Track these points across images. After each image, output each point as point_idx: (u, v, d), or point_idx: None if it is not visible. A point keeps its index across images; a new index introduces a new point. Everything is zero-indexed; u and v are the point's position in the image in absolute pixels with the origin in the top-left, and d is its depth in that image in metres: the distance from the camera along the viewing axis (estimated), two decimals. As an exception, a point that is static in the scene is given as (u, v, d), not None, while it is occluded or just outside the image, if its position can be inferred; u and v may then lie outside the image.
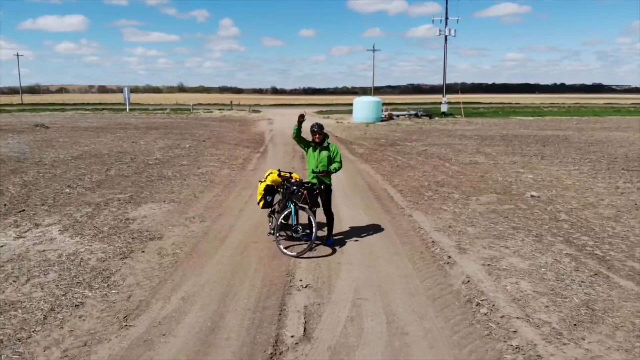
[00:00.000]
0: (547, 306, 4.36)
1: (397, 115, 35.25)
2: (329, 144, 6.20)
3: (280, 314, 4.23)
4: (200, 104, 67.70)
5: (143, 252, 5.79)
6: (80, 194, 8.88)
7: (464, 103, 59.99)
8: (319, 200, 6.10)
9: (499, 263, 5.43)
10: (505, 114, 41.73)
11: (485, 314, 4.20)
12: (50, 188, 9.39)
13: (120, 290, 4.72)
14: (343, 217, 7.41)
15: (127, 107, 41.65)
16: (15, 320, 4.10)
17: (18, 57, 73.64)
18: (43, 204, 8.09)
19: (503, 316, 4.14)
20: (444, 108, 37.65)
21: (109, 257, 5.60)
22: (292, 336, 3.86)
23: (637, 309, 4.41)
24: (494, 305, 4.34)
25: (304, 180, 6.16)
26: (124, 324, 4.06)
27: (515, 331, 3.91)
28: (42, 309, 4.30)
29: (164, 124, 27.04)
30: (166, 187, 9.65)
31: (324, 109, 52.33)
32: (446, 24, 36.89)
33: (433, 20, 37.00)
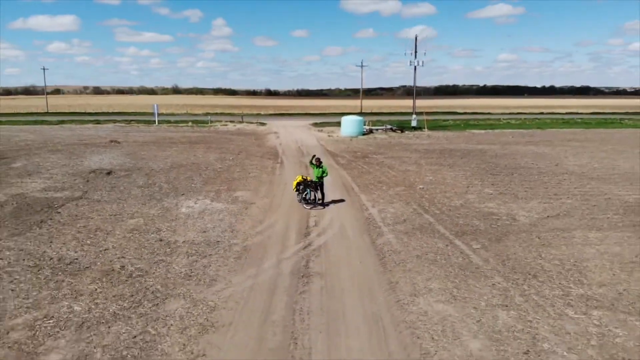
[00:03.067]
0: (392, 219, 13.64)
1: (376, 129, 44.54)
2: (322, 164, 15.36)
3: (307, 221, 13.48)
4: (208, 113, 76.63)
5: (251, 208, 15.00)
6: (200, 187, 18.03)
7: (433, 113, 68.84)
8: (319, 187, 15.29)
9: (384, 210, 14.72)
10: (465, 126, 51.14)
11: (370, 221, 13.49)
12: (182, 184, 18.51)
13: (252, 216, 13.94)
14: (328, 195, 16.60)
15: (156, 120, 50.57)
16: (226, 224, 13.28)
17: (45, 71, 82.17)
18: (189, 191, 17.24)
19: (375, 222, 13.43)
20: (413, 123, 47.12)
21: (240, 209, 14.80)
22: (311, 225, 13.11)
23: (421, 222, 13.66)
24: (374, 219, 13.64)
25: (312, 180, 15.32)
26: (261, 222, 13.28)
27: (379, 225, 13.18)
28: (249, 221, 13.49)
29: (199, 139, 36.13)
30: (240, 183, 18.83)
31: (318, 120, 61.47)
32: (415, 56, 46.40)
33: (405, 54, 46.50)
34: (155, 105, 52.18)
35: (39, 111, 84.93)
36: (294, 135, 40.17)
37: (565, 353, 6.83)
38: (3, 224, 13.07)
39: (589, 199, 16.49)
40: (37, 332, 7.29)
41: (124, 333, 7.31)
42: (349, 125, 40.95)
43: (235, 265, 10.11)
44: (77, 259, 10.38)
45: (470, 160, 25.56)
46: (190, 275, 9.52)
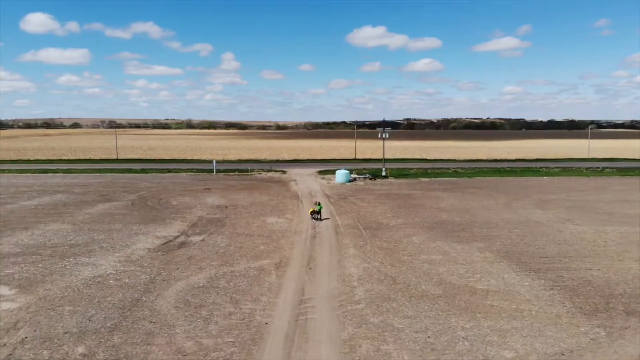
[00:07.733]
0: (345, 224, 39.10)
1: (359, 177, 69.97)
2: (320, 204, 40.94)
3: (314, 225, 38.88)
4: (240, 161, 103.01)
5: (293, 221, 40.44)
6: (270, 212, 43.48)
7: (407, 160, 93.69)
8: (319, 213, 40.65)
9: (343, 221, 40.12)
10: (421, 175, 76.38)
11: (337, 225, 38.91)
12: (262, 211, 43.95)
13: (294, 223, 39.40)
14: (323, 216, 41.81)
15: (215, 170, 76.69)
16: (286, 225, 38.70)
17: (116, 131, 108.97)
18: (267, 214, 42.71)
19: (339, 225, 38.84)
20: (383, 172, 72.71)
21: (289, 221, 40.26)
22: (316, 226, 38.54)
23: (354, 225, 39.00)
24: (339, 224, 39.06)
25: (316, 209, 40.71)
26: (298, 224, 38.72)
27: (340, 226, 38.55)
28: (294, 225, 38.94)
29: (251, 185, 61.77)
30: (285, 211, 44.23)
31: (322, 168, 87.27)
32: (384, 130, 72.33)
33: (377, 128, 72.25)
34: (214, 161, 78.55)
35: (110, 157, 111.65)
36: (306, 183, 65.84)
37: (369, 247, 32.01)
38: (210, 226, 38.50)
39: (426, 219, 41.65)
40: (255, 240, 32.67)
41: (272, 244, 32.60)
42: (340, 176, 66.61)
43: (294, 235, 35.43)
44: (248, 233, 35.77)
45: (396, 200, 50.86)
46: (284, 236, 34.89)
